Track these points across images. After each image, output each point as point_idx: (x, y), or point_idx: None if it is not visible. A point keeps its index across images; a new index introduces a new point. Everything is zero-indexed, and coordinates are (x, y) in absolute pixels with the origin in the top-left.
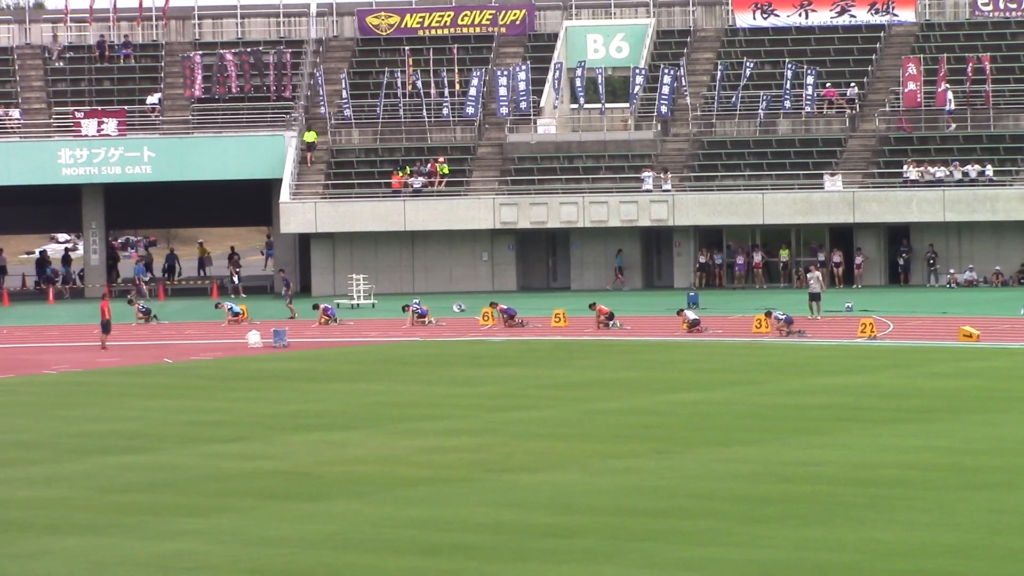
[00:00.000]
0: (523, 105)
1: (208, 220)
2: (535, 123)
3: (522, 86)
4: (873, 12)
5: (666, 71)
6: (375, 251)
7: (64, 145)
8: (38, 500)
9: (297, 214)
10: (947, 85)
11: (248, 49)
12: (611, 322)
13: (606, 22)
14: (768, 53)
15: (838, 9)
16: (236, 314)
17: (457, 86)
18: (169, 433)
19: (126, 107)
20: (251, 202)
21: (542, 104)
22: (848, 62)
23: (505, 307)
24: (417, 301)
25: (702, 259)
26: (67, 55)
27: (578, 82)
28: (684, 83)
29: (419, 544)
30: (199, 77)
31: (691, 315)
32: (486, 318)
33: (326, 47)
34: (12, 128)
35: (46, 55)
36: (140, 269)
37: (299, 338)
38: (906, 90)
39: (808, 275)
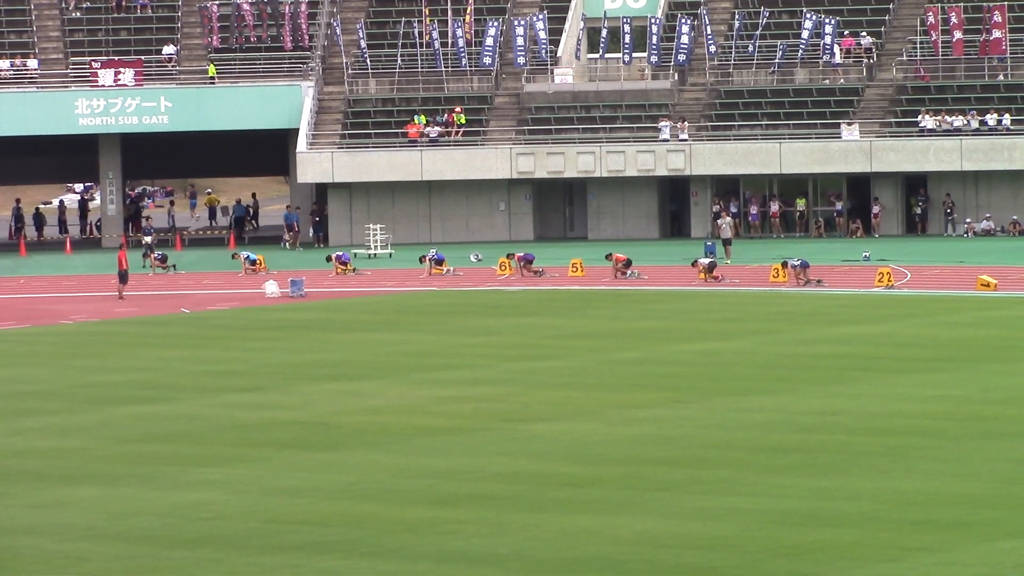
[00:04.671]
0: (541, 54)
1: (225, 170)
2: (552, 73)
3: (541, 35)
4: None
5: (683, 20)
6: (392, 201)
7: (81, 95)
8: (55, 450)
9: (314, 164)
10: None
11: None
12: (629, 271)
13: None
14: (785, 2)
15: None
16: (253, 263)
17: (473, 35)
18: (186, 383)
19: (143, 57)
20: (268, 152)
21: (559, 54)
22: (866, 11)
23: (523, 254)
24: (434, 251)
25: (715, 208)
26: (84, 5)
27: (603, 32)
28: (708, 30)
29: (436, 494)
30: (216, 27)
31: (705, 260)
32: (503, 267)
33: None
34: (29, 78)
35: (63, 5)
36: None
37: (316, 288)
38: (932, 39)
39: (719, 221)
